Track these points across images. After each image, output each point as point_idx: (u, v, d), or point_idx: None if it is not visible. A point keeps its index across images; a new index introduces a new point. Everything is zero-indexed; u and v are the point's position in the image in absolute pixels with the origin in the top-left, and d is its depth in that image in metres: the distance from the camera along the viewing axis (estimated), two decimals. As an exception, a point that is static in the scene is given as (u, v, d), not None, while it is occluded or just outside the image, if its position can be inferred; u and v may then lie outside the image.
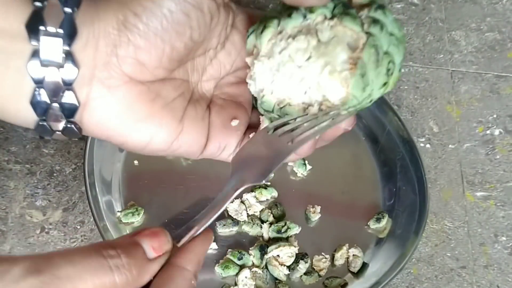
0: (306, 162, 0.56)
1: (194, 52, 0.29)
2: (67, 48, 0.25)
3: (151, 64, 0.27)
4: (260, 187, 0.54)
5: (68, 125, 0.27)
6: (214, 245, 0.50)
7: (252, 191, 0.54)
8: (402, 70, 0.28)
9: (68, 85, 0.26)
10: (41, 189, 0.52)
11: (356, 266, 0.52)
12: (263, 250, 0.50)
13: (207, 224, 0.28)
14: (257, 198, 0.53)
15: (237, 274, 0.49)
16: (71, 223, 0.51)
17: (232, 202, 0.52)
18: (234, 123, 0.32)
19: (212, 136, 0.31)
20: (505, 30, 0.73)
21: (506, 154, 0.63)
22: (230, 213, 0.52)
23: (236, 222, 0.52)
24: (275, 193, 0.54)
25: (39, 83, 0.25)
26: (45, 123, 0.26)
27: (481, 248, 0.57)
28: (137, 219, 0.50)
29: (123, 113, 0.27)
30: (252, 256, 0.50)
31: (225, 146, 0.32)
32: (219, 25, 0.30)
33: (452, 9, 0.74)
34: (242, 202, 0.53)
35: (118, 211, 0.50)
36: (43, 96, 0.26)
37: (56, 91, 0.26)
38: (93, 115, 0.27)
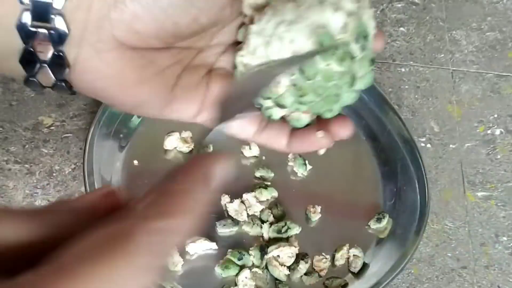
0: (306, 162, 0.56)
1: (197, 31, 0.28)
2: (58, 8, 0.24)
3: (147, 34, 0.26)
4: (260, 187, 0.54)
5: (58, 83, 0.27)
6: (214, 245, 0.50)
7: (252, 191, 0.54)
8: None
9: (57, 46, 0.25)
10: (41, 189, 0.52)
11: (356, 266, 0.52)
12: (263, 250, 0.50)
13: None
14: (257, 198, 0.53)
15: (237, 275, 0.49)
16: (70, 223, 0.51)
17: (231, 202, 0.52)
18: None
19: (207, 105, 0.30)
20: (506, 30, 0.73)
21: (507, 154, 0.63)
22: (230, 213, 0.52)
23: (236, 222, 0.52)
24: (275, 193, 0.54)
25: (28, 43, 0.25)
26: (34, 79, 0.27)
27: (482, 248, 0.57)
28: (136, 219, 0.50)
29: (112, 78, 0.27)
30: (252, 256, 0.50)
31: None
32: (234, 7, 0.28)
33: (453, 9, 0.74)
34: (242, 202, 0.53)
35: (117, 211, 0.50)
36: (32, 57, 0.25)
37: (45, 51, 0.25)
38: (81, 76, 0.27)
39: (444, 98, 0.66)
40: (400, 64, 0.68)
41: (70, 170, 0.54)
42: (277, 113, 0.30)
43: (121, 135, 0.54)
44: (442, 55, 0.70)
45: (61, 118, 0.57)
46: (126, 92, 0.27)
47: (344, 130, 0.30)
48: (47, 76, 0.26)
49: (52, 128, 0.56)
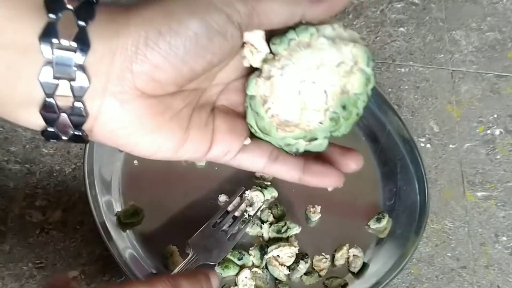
0: (306, 162, 0.56)
1: (208, 71, 0.30)
2: (80, 62, 0.25)
3: (166, 82, 0.27)
4: (260, 187, 0.54)
5: (76, 133, 0.27)
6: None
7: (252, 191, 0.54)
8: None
9: (78, 97, 0.26)
10: (41, 189, 0.52)
11: (356, 266, 0.52)
12: (263, 250, 0.50)
13: None
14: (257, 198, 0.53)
15: (237, 274, 0.49)
16: (70, 223, 0.51)
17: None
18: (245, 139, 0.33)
19: (217, 140, 0.32)
20: (506, 30, 0.73)
21: (506, 154, 0.63)
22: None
23: (236, 222, 0.52)
24: (275, 193, 0.54)
25: (49, 94, 0.26)
26: (53, 129, 0.27)
27: (481, 248, 0.57)
28: (137, 219, 0.50)
29: (132, 125, 0.28)
30: (252, 256, 0.50)
31: (228, 150, 0.32)
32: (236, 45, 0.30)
33: (453, 9, 0.74)
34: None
35: (117, 211, 0.50)
36: (53, 107, 0.26)
37: (66, 103, 0.26)
38: (103, 126, 0.27)
39: (444, 98, 0.66)
40: (400, 64, 0.68)
41: (70, 170, 0.54)
42: (303, 145, 0.32)
43: (121, 135, 0.54)
44: (442, 55, 0.70)
45: (61, 118, 0.57)
46: (146, 138, 0.28)
47: (354, 164, 0.33)
48: (66, 126, 0.27)
49: (52, 128, 0.56)
